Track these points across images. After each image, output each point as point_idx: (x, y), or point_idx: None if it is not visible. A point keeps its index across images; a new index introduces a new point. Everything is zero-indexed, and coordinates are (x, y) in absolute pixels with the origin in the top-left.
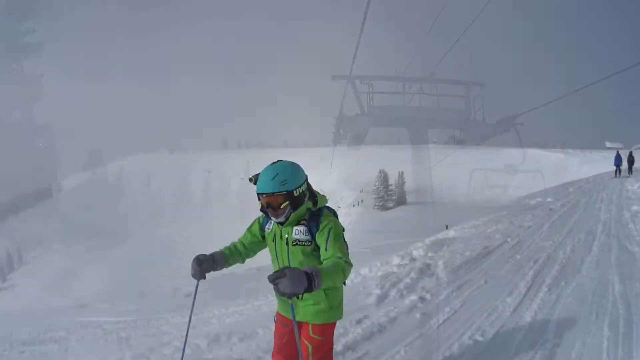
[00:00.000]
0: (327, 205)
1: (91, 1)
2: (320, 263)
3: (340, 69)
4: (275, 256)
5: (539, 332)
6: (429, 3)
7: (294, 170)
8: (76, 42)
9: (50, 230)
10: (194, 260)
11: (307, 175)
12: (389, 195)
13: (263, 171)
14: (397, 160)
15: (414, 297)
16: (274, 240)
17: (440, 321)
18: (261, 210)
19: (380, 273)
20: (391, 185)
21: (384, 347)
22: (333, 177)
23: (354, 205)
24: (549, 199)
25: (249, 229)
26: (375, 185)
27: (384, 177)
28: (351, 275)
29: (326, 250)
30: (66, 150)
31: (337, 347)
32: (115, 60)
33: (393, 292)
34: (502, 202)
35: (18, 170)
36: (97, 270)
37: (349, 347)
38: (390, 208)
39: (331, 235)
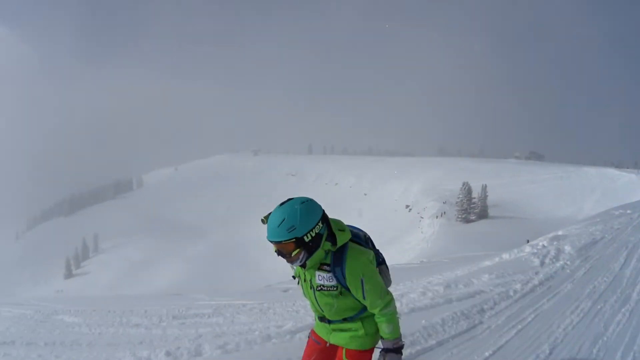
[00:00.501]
0: (351, 238)
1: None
2: (351, 302)
3: (427, 79)
4: (306, 296)
5: (636, 277)
6: None
7: (303, 212)
8: (162, 41)
9: (128, 222)
10: None
11: (322, 213)
12: (472, 208)
13: (271, 214)
14: (480, 173)
15: (559, 263)
16: (299, 282)
17: (582, 274)
18: (277, 254)
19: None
20: (474, 198)
21: (556, 284)
22: (416, 187)
23: (437, 217)
24: (628, 211)
25: None
26: (459, 197)
27: (467, 190)
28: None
29: (364, 298)
30: (151, 146)
31: (536, 279)
32: (201, 60)
33: (547, 260)
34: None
35: (100, 163)
36: (172, 264)
37: (541, 282)
38: (472, 221)
39: (366, 284)
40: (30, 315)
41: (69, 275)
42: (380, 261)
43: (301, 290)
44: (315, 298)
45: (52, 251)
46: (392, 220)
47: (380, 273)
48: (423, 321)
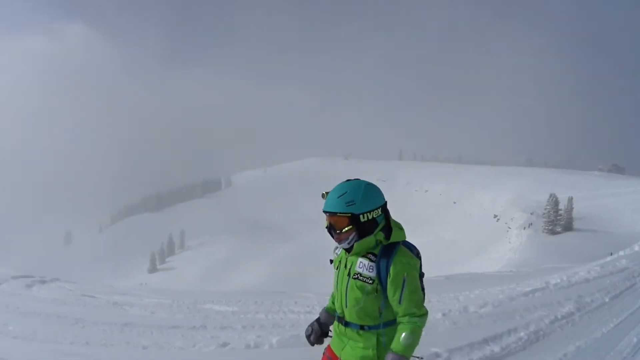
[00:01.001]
0: (407, 241)
1: (268, 7)
2: (382, 307)
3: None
4: (336, 286)
5: None
6: None
7: (367, 191)
8: (255, 44)
9: (215, 221)
10: (315, 325)
11: (385, 202)
12: (558, 220)
13: (334, 187)
14: (564, 185)
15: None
16: (338, 267)
17: None
18: (327, 229)
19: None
20: (560, 210)
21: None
22: (504, 197)
23: (524, 228)
24: None
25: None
26: (546, 209)
27: (554, 202)
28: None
29: (400, 302)
30: (241, 148)
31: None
32: (294, 63)
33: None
34: None
35: (190, 162)
36: (257, 264)
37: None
38: (558, 233)
39: (407, 287)
40: (170, 304)
41: (153, 269)
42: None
43: (334, 280)
44: (347, 289)
45: (136, 245)
46: (480, 229)
47: None
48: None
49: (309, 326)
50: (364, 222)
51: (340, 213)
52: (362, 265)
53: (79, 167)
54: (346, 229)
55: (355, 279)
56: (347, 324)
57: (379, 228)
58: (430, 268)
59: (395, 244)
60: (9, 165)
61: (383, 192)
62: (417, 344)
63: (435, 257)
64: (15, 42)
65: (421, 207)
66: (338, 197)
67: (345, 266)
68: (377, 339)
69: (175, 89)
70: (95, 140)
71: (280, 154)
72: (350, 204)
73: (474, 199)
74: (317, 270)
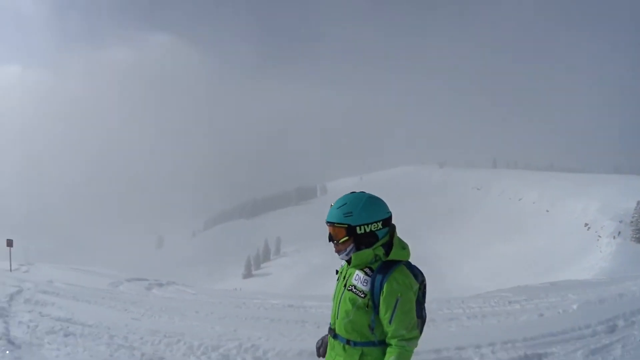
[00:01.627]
0: (411, 263)
1: (351, 15)
2: (373, 324)
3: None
4: (333, 296)
5: None
6: None
7: (366, 204)
8: (347, 50)
9: (311, 228)
10: (325, 338)
11: (388, 216)
12: None
13: (338, 199)
14: None
15: None
16: (338, 278)
17: None
18: (328, 239)
19: None
20: None
21: None
22: (594, 205)
23: (614, 237)
24: None
25: None
26: (634, 217)
27: None
28: None
29: (390, 322)
30: (337, 155)
31: None
32: (387, 68)
33: None
34: None
35: (285, 169)
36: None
37: None
38: None
39: (399, 307)
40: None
41: (248, 275)
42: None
43: (334, 290)
44: (340, 300)
45: (230, 251)
46: (571, 238)
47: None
48: None
49: (320, 339)
50: (360, 234)
51: (337, 223)
52: (358, 278)
53: (172, 174)
54: (343, 239)
55: (349, 290)
56: (335, 336)
57: (379, 243)
58: (527, 277)
59: (396, 262)
60: (103, 172)
61: (477, 200)
62: None
63: (530, 266)
64: (103, 54)
65: (515, 216)
66: (338, 208)
67: (344, 277)
68: (360, 357)
69: (267, 96)
70: (187, 147)
71: (375, 161)
72: (348, 215)
73: (565, 207)
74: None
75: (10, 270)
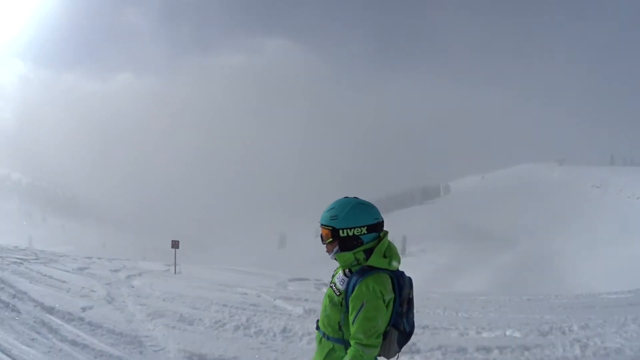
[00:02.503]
0: (400, 272)
1: (466, 9)
2: (342, 322)
3: None
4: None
5: None
6: None
7: (351, 210)
8: (461, 46)
9: (435, 227)
10: None
11: (374, 222)
12: None
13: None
14: None
15: None
16: (333, 274)
17: None
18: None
19: None
20: None
21: None
22: None
23: None
24: None
25: None
26: None
27: None
28: None
29: (353, 323)
30: (459, 153)
31: None
32: (503, 65)
33: None
34: None
35: (408, 169)
36: (478, 271)
37: None
38: None
39: (362, 312)
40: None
41: None
42: (401, 326)
43: None
44: (325, 295)
45: None
46: None
47: (385, 335)
48: None
49: None
50: (344, 237)
51: (324, 225)
52: (339, 277)
53: (294, 174)
54: (329, 241)
55: (330, 287)
56: (317, 328)
57: (361, 247)
58: None
59: (374, 268)
60: (223, 173)
61: (596, 199)
62: None
63: None
64: (215, 60)
65: (634, 216)
66: (327, 211)
67: (333, 275)
68: (329, 351)
69: (385, 96)
70: (309, 148)
71: (498, 159)
72: (333, 218)
73: None
74: (537, 278)
75: (175, 272)
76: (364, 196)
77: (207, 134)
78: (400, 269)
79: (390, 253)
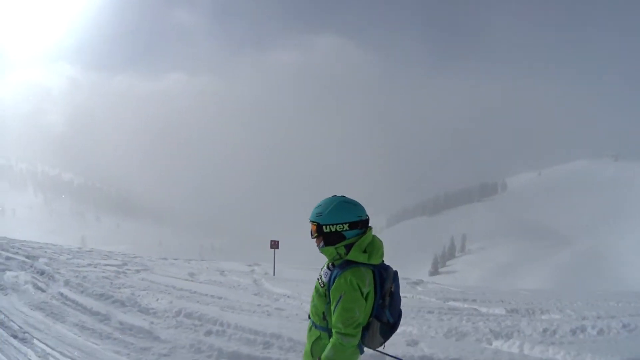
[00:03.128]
0: (384, 265)
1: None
2: (326, 312)
3: None
4: None
5: None
6: None
7: (335, 208)
8: (518, 40)
9: (494, 225)
10: None
11: (356, 219)
12: None
13: None
14: None
15: None
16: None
17: None
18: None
19: None
20: None
21: None
22: None
23: None
24: None
25: None
26: None
27: None
28: None
29: (333, 313)
30: (514, 149)
31: None
32: (557, 60)
33: None
34: None
35: (466, 165)
36: (537, 269)
37: None
38: None
39: (341, 303)
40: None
41: (434, 272)
42: (385, 318)
43: None
44: (314, 287)
45: (414, 248)
46: None
47: (368, 326)
48: None
49: None
50: (327, 233)
51: (310, 221)
52: (325, 271)
53: (351, 171)
54: (315, 235)
55: (317, 279)
56: (309, 317)
57: (343, 243)
58: None
59: (355, 262)
60: (277, 171)
61: None
62: (339, 357)
63: None
64: (269, 57)
65: None
66: (315, 208)
67: (321, 269)
68: (316, 339)
69: (440, 92)
70: (364, 146)
71: (554, 155)
72: (319, 215)
73: None
74: (595, 275)
75: (274, 274)
76: (420, 194)
77: (261, 131)
78: (460, 267)
79: (372, 248)
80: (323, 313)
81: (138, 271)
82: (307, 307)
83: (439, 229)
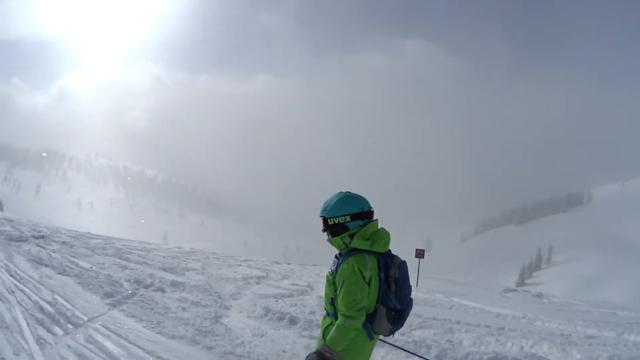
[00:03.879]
0: (390, 253)
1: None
2: (334, 298)
3: None
4: None
5: None
6: None
7: (338, 202)
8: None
9: (579, 236)
10: None
11: (358, 211)
12: None
13: None
14: None
15: None
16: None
17: None
18: None
19: None
20: None
21: None
22: None
23: None
24: None
25: None
26: None
27: None
28: None
29: (337, 298)
30: (599, 158)
31: None
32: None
33: None
34: None
35: (553, 174)
36: (623, 283)
37: None
38: None
39: (344, 287)
40: None
41: (521, 283)
42: (393, 304)
43: None
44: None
45: (500, 258)
46: None
47: (375, 312)
48: None
49: None
50: (332, 225)
51: (320, 216)
52: (333, 262)
53: (437, 177)
54: (323, 228)
55: (328, 269)
56: (324, 308)
57: (347, 233)
58: None
59: (357, 250)
60: (364, 172)
61: None
62: (343, 340)
63: None
64: (355, 60)
65: None
66: (323, 203)
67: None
68: (328, 325)
69: (524, 99)
70: (449, 151)
71: (636, 164)
72: (324, 209)
73: None
74: None
75: (417, 285)
76: (506, 202)
77: (347, 134)
78: (546, 279)
79: (375, 237)
80: (332, 299)
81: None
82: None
83: (526, 239)
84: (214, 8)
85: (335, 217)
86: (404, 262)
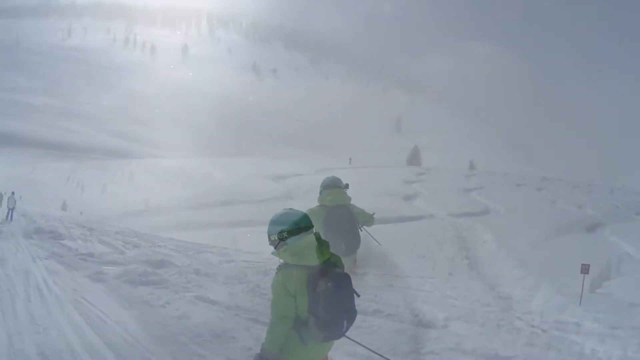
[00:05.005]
0: (330, 265)
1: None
2: None
3: None
4: None
5: None
6: None
7: (275, 219)
8: None
9: None
10: None
11: (293, 228)
12: None
13: None
14: None
15: None
16: None
17: None
18: None
19: None
20: None
21: None
22: None
23: None
24: None
25: None
26: None
27: None
28: None
29: None
30: None
31: None
32: None
33: None
34: None
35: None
36: None
37: None
38: None
39: (273, 298)
40: None
41: (592, 292)
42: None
43: None
44: None
45: (572, 265)
46: None
47: (307, 321)
48: None
49: None
50: (272, 240)
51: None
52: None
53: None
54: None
55: None
56: None
57: (283, 248)
58: None
59: (287, 264)
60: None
61: None
62: (273, 342)
63: None
64: (425, 61)
65: None
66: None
67: None
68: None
69: (597, 105)
70: (516, 154)
71: None
72: (268, 226)
73: None
74: None
75: (580, 303)
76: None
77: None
78: (617, 289)
79: (305, 252)
80: None
81: None
82: None
83: (598, 246)
84: None
85: (271, 235)
86: (343, 275)
